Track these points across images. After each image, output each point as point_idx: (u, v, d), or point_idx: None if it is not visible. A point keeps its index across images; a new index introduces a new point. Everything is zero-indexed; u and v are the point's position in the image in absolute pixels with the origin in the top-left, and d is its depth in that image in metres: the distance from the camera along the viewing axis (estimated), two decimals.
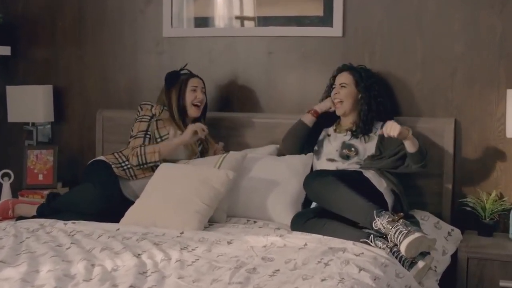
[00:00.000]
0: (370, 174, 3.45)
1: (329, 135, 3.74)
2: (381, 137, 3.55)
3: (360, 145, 3.61)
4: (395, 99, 3.88)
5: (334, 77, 3.76)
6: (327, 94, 3.77)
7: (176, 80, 3.87)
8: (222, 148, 3.94)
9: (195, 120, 3.91)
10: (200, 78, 3.92)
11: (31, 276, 2.51)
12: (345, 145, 3.63)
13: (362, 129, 3.61)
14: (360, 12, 3.93)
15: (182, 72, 3.94)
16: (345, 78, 3.68)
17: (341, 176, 3.29)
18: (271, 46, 4.13)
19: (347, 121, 3.70)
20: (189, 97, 3.84)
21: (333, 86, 3.73)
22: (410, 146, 3.37)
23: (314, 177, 3.33)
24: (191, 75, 3.92)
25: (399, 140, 3.40)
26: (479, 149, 3.75)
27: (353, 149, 3.60)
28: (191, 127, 3.73)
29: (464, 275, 3.38)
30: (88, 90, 4.56)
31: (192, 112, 3.85)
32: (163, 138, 3.79)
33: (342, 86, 3.66)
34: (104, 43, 4.49)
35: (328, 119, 3.77)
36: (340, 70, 3.74)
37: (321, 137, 3.77)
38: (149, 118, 3.81)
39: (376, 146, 3.59)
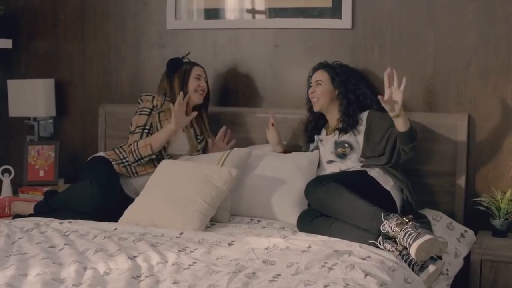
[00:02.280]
0: (375, 173, 3.32)
1: (321, 140, 3.67)
2: (368, 124, 3.48)
3: (352, 139, 3.52)
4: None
5: (310, 77, 3.70)
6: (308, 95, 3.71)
7: (179, 67, 3.79)
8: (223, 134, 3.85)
9: (197, 107, 3.82)
10: (203, 68, 3.84)
11: (18, 280, 2.39)
12: (338, 144, 3.55)
13: (348, 123, 3.53)
14: (370, 3, 3.80)
15: (184, 60, 3.85)
16: (320, 75, 3.64)
17: (344, 179, 3.18)
18: (278, 38, 4.01)
19: (333, 120, 3.63)
20: (192, 84, 3.76)
21: (311, 85, 3.67)
22: (401, 125, 3.22)
23: (315, 185, 3.20)
24: (195, 63, 3.83)
25: (386, 124, 3.32)
26: (493, 146, 3.62)
27: (346, 145, 3.51)
28: (174, 114, 3.58)
29: (477, 279, 3.24)
30: (90, 84, 4.46)
31: (195, 97, 3.76)
32: None
33: (317, 84, 3.62)
34: (107, 36, 4.39)
35: (317, 127, 3.71)
36: (316, 69, 3.69)
37: (315, 144, 3.71)
38: (149, 110, 3.70)
39: (364, 135, 3.49)
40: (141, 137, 3.64)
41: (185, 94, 3.69)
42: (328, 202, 3.12)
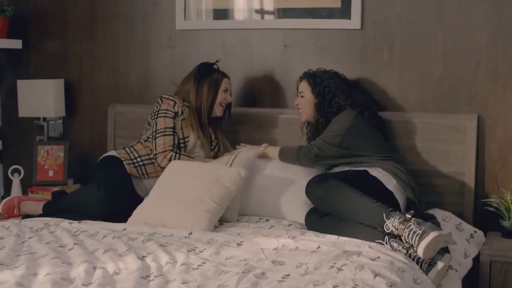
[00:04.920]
0: (377, 173, 3.31)
1: None
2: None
3: None
4: (414, 94, 3.75)
5: (297, 87, 3.72)
6: None
7: (210, 74, 3.76)
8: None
9: (218, 119, 3.83)
10: (230, 80, 3.84)
11: (28, 280, 2.41)
12: None
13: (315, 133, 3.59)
14: (379, 3, 3.79)
15: (214, 67, 3.83)
16: (302, 86, 3.67)
17: (346, 178, 3.17)
18: (287, 39, 4.01)
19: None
20: (220, 96, 3.76)
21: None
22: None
23: (316, 183, 3.21)
24: (224, 74, 3.82)
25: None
26: (503, 146, 3.61)
27: None
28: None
29: (486, 280, 3.24)
30: (99, 84, 4.46)
31: (218, 111, 3.77)
32: (185, 139, 3.69)
33: (301, 96, 3.66)
34: (116, 37, 4.39)
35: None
36: (301, 79, 3.69)
37: None
38: (173, 114, 3.69)
39: None
40: (174, 140, 3.64)
41: (212, 106, 3.72)
42: (329, 199, 3.12)
